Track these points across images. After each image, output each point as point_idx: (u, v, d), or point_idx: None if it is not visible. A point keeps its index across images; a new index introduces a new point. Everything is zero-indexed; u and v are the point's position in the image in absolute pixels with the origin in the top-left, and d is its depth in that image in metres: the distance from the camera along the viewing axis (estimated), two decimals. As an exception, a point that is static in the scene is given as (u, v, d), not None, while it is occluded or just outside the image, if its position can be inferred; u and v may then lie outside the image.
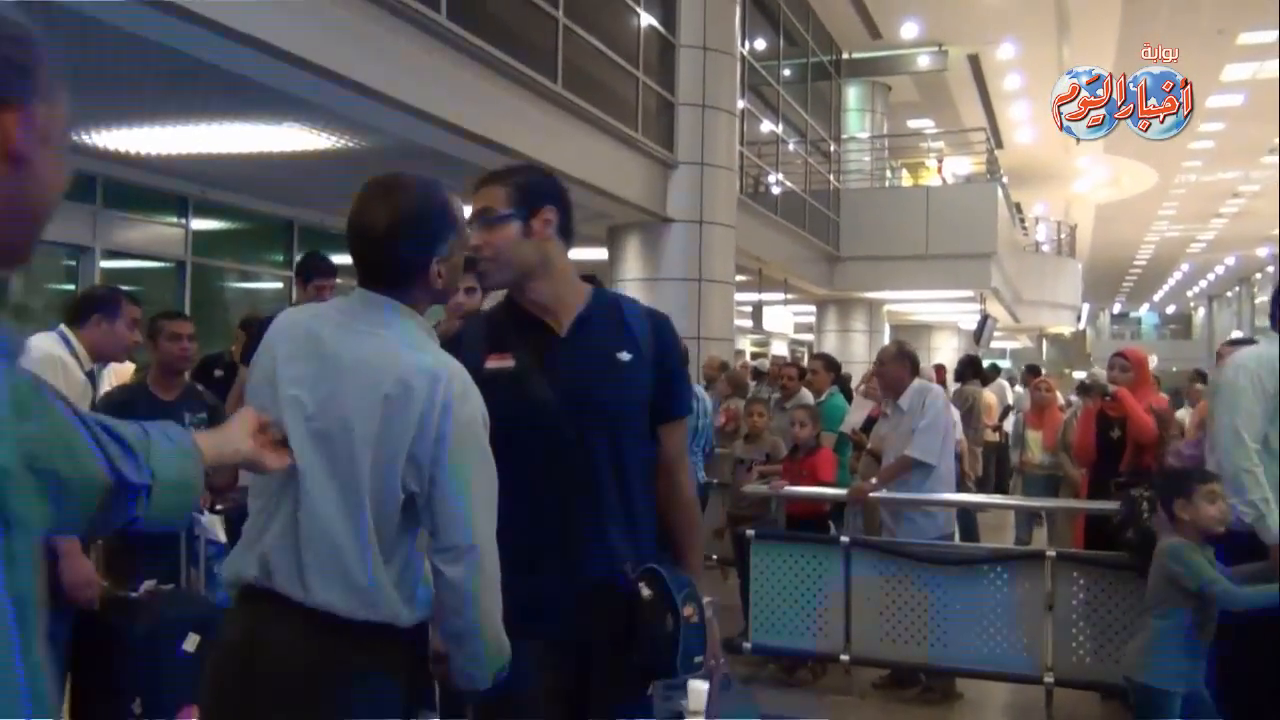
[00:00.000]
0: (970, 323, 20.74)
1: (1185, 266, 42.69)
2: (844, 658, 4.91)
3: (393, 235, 1.78)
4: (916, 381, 5.07)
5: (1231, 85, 18.76)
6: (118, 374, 6.67)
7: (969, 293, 17.72)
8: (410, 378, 1.72)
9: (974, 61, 18.23)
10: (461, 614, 1.74)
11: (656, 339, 2.16)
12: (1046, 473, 7.25)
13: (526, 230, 2.07)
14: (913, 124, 21.86)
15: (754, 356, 19.23)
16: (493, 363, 2.05)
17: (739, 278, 13.38)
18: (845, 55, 17.80)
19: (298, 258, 10.56)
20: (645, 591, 1.98)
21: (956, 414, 6.24)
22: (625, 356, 2.10)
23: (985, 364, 11.67)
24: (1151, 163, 24.61)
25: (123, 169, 8.08)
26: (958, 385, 8.90)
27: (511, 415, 1.94)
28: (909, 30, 16.81)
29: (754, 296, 15.48)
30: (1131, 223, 31.75)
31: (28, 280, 8.57)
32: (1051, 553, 4.64)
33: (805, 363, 8.88)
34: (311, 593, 1.73)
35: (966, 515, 8.21)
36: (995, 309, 19.86)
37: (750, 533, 5.12)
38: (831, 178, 17.09)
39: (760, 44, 14.32)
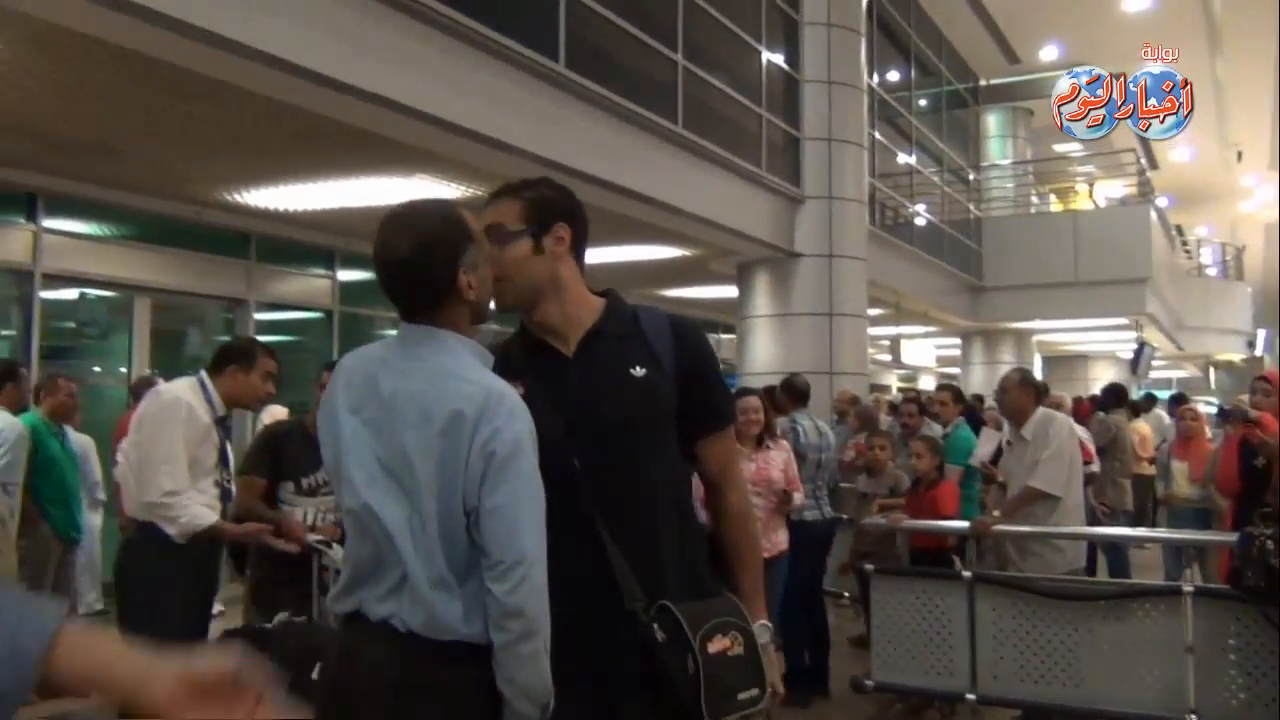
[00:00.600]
0: (1129, 352, 19.86)
1: (1373, 286, 39.81)
2: (970, 696, 4.76)
3: (415, 256, 1.85)
4: (1040, 410, 4.92)
5: None
6: (271, 414, 7.09)
7: (1123, 320, 16.99)
8: (461, 406, 1.79)
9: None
10: (509, 629, 1.75)
11: (679, 349, 2.04)
12: (1195, 505, 6.86)
13: (538, 248, 2.00)
14: (1059, 148, 21.20)
15: (901, 391, 18.88)
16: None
17: (875, 311, 13.21)
18: (983, 82, 17.46)
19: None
20: (659, 635, 1.84)
21: (1090, 445, 5.99)
22: (639, 371, 1.99)
23: (1141, 393, 11.17)
24: (1324, 177, 23.14)
25: (274, 224, 8.61)
26: (1101, 415, 8.52)
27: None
28: (1049, 53, 16.39)
29: (892, 330, 15.23)
30: (1308, 242, 29.83)
31: (197, 331, 9.22)
32: (1189, 588, 4.40)
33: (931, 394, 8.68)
34: (393, 617, 1.84)
35: (1116, 551, 7.85)
36: (1154, 336, 18.97)
37: (870, 568, 5.04)
38: (971, 206, 16.71)
39: (894, 75, 14.20)
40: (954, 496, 5.43)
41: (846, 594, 7.25)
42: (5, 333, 7.62)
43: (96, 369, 8.52)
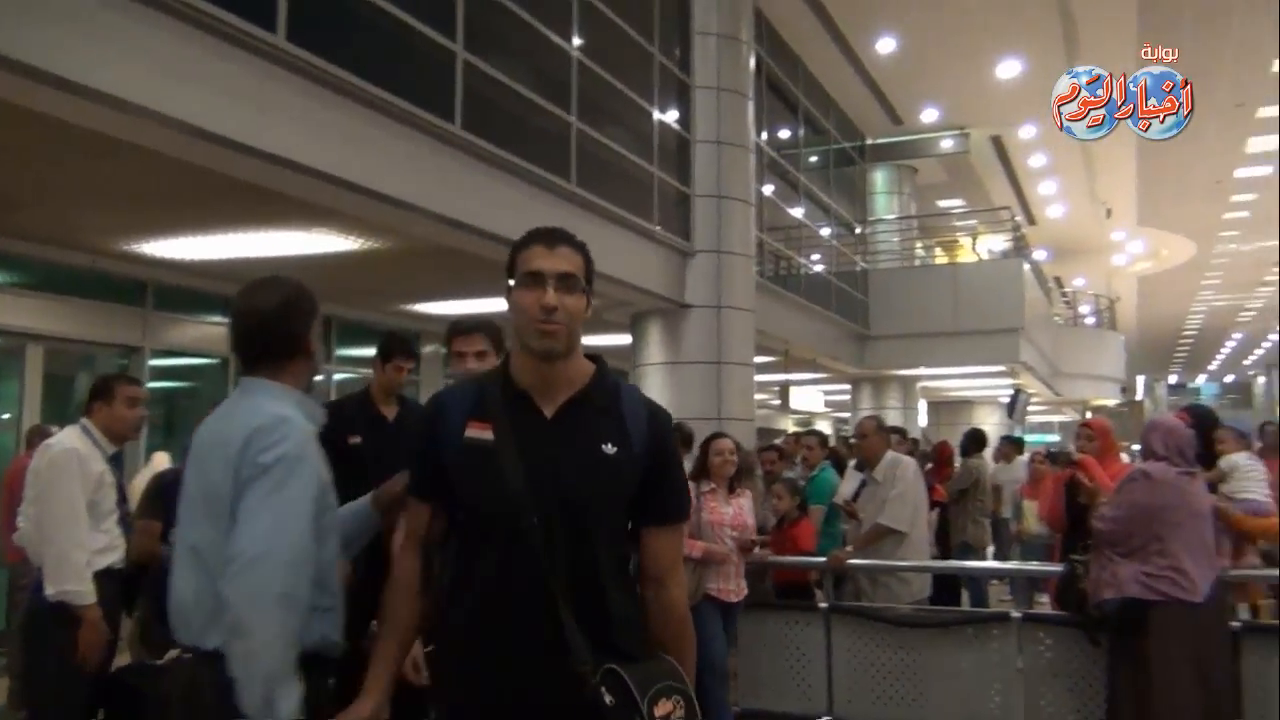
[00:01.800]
0: (1008, 397, 20.90)
1: (1238, 335, 42.22)
2: (826, 718, 5.16)
3: (281, 312, 2.22)
4: (889, 454, 5.39)
5: (1258, 157, 18.97)
6: (157, 461, 7.19)
7: (1001, 368, 17.90)
8: (250, 429, 2.09)
9: (997, 142, 18.67)
10: (226, 625, 1.97)
11: (651, 435, 2.05)
12: (1043, 541, 7.44)
13: (588, 305, 2.05)
14: (943, 203, 22.27)
15: (808, 433, 19.49)
16: (472, 430, 2.00)
17: (764, 359, 13.77)
18: (869, 141, 18.34)
19: (336, 351, 11.20)
20: (607, 698, 1.84)
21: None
22: (610, 449, 1.99)
23: (1013, 438, 11.89)
24: (1187, 234, 24.72)
25: (171, 273, 8.75)
26: (962, 459, 9.13)
27: (478, 492, 1.98)
28: (929, 115, 17.33)
29: (782, 377, 15.82)
30: (1176, 294, 31.68)
31: (90, 379, 9.22)
32: (1016, 614, 4.89)
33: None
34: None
35: (975, 584, 8.40)
36: (1030, 383, 19.97)
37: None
38: (858, 258, 17.50)
39: (784, 133, 14.89)
40: (811, 534, 5.87)
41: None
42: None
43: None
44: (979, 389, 22.43)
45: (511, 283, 2.05)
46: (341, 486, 2.37)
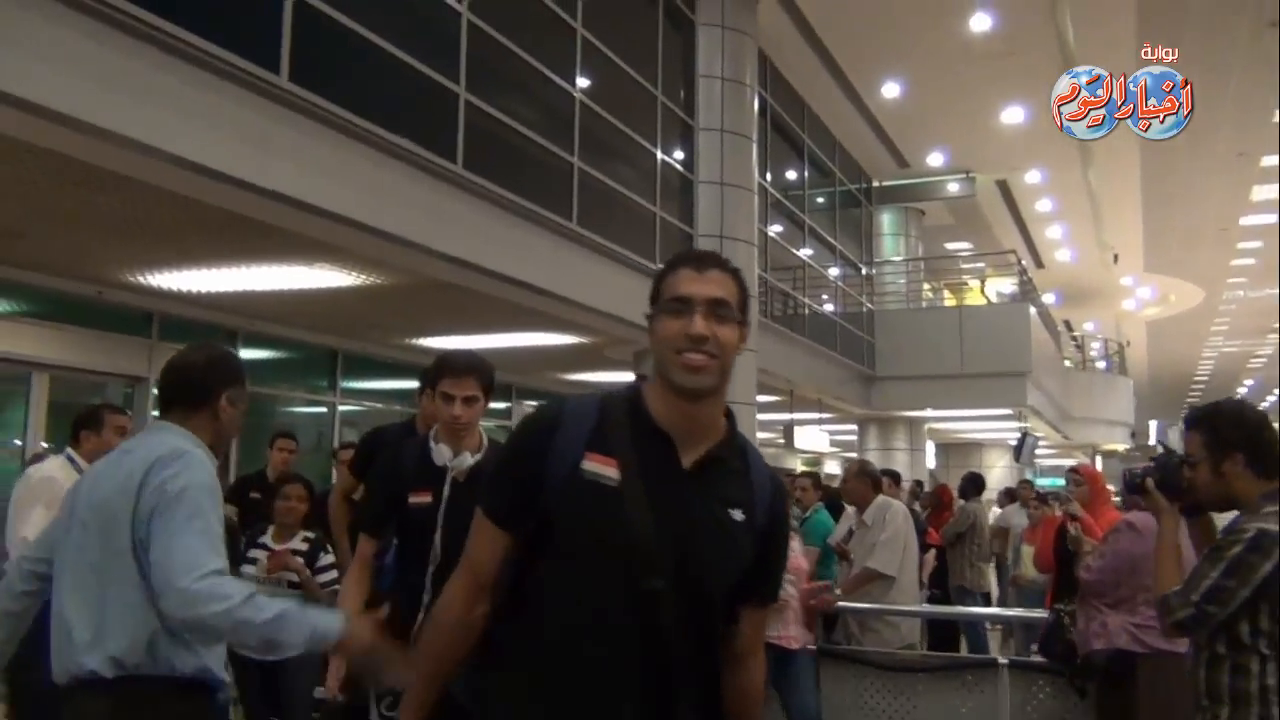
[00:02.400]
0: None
1: (1250, 382, 42.03)
2: (813, 763, 5.13)
3: (200, 365, 2.46)
4: (879, 497, 5.39)
5: (1262, 205, 19.00)
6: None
7: (1008, 410, 17.87)
8: (149, 464, 2.27)
9: (1003, 187, 18.76)
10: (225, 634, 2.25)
11: (772, 508, 1.85)
12: (1040, 587, 7.41)
13: (742, 338, 1.79)
14: (951, 246, 22.35)
15: (803, 474, 19.45)
16: (593, 464, 1.72)
17: (768, 398, 13.80)
18: (875, 183, 18.46)
19: (341, 384, 11.27)
20: None
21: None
22: (738, 516, 1.78)
23: (1029, 481, 11.87)
24: (1195, 280, 24.72)
25: (177, 304, 8.84)
26: (961, 502, 9.11)
27: (595, 539, 1.72)
28: (935, 159, 17.44)
29: (787, 416, 15.83)
30: (1185, 339, 31.61)
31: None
32: (1004, 660, 4.87)
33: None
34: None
35: (974, 629, 8.35)
36: (1039, 426, 19.91)
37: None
38: (865, 300, 17.55)
39: (790, 174, 15.01)
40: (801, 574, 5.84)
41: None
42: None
43: (-12, 443, 8.58)
44: (987, 431, 22.38)
45: (655, 312, 1.77)
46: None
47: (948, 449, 24.14)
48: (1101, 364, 26.98)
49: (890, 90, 14.60)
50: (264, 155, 5.63)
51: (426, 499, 3.06)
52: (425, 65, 6.97)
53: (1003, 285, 21.34)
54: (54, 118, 4.55)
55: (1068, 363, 23.89)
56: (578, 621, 1.72)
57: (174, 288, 8.30)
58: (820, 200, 16.26)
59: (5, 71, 4.30)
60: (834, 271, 16.58)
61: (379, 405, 11.94)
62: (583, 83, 8.99)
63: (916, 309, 18.78)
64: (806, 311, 14.86)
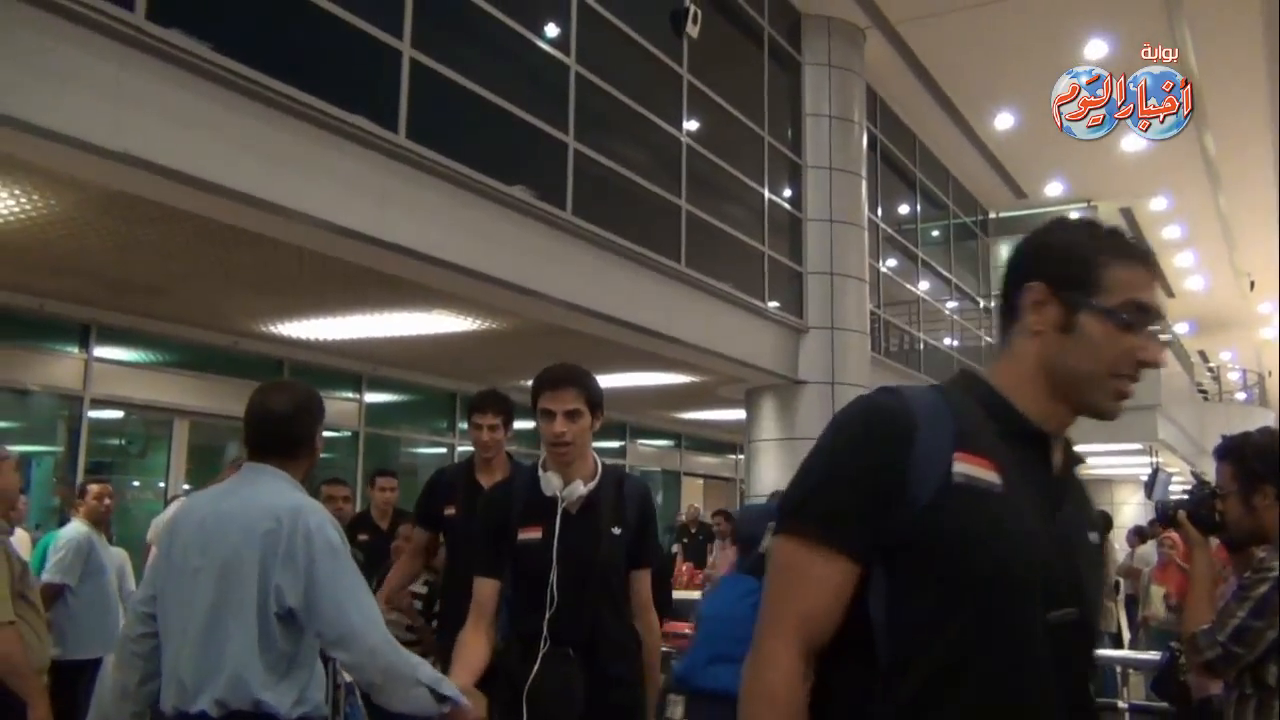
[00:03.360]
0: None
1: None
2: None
3: (302, 413, 2.47)
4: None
5: None
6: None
7: (1138, 445, 17.22)
8: (281, 514, 2.32)
9: (1128, 215, 18.19)
10: (370, 671, 2.32)
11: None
12: (1171, 628, 7.12)
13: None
14: (1073, 276, 21.63)
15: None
16: (966, 465, 1.35)
17: (884, 435, 13.57)
18: (991, 215, 18.13)
19: (460, 424, 11.59)
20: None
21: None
22: (1094, 538, 1.56)
23: (1152, 520, 11.42)
24: (1340, 306, 23.45)
25: (305, 352, 9.28)
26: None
27: (999, 560, 1.33)
28: (1054, 189, 17.05)
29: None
30: (1333, 368, 29.92)
31: (233, 450, 9.80)
32: (1123, 704, 4.72)
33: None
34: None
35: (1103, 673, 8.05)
36: (1173, 461, 19.12)
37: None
38: (983, 333, 17.20)
39: (902, 209, 14.88)
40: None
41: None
42: (55, 448, 8.26)
43: (135, 484, 9.11)
44: (1117, 467, 21.57)
45: (1096, 311, 1.42)
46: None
47: (1077, 485, 23.28)
48: (1241, 395, 25.76)
49: (1004, 121, 14.37)
50: (383, 210, 5.91)
51: (536, 535, 2.78)
52: (535, 117, 7.21)
53: (1131, 315, 20.59)
54: (196, 184, 4.90)
55: (1203, 395, 22.91)
56: (997, 671, 1.32)
57: (303, 336, 8.72)
58: (935, 234, 16.06)
59: (150, 140, 4.65)
60: (951, 305, 16.32)
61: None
62: (690, 126, 9.14)
63: (1038, 342, 18.23)
64: (923, 346, 14.65)
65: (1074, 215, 17.76)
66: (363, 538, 5.74)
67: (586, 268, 7.67)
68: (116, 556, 6.81)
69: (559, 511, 2.75)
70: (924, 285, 15.13)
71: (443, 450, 11.64)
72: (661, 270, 8.56)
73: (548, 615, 2.69)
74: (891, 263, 14.00)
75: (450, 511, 3.95)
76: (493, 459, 3.91)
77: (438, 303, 7.49)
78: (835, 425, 1.48)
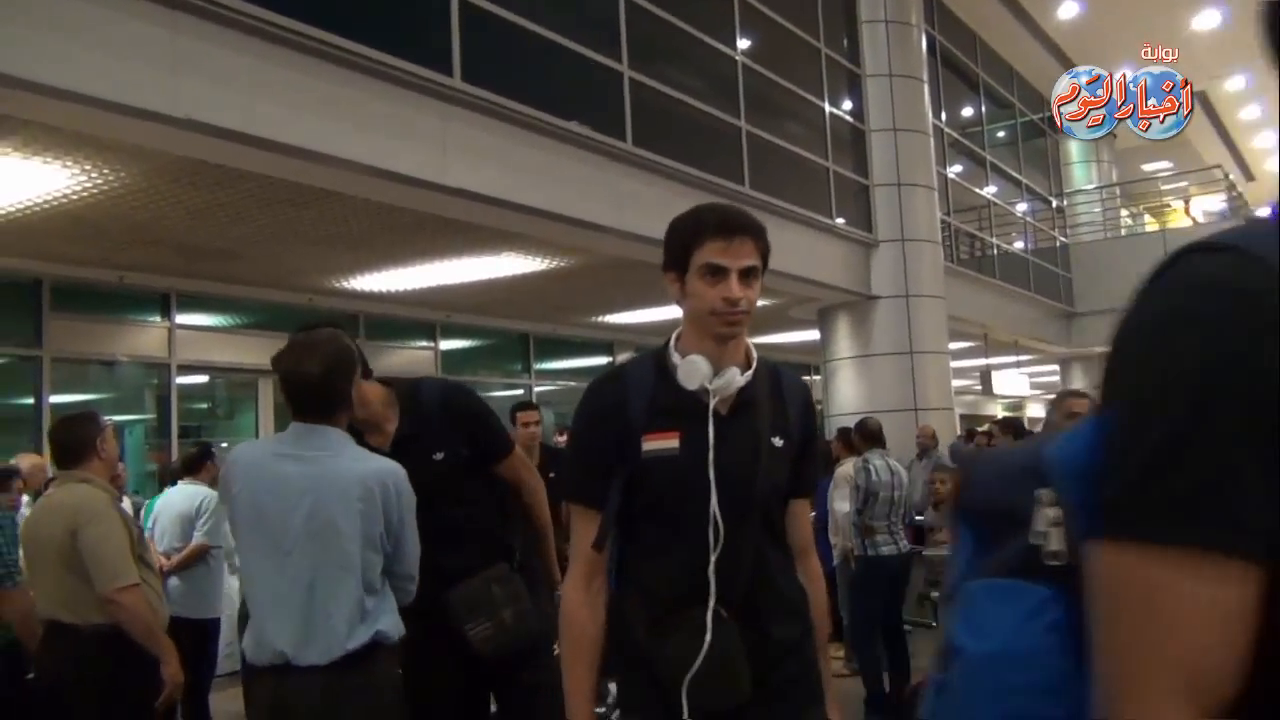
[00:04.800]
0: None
1: None
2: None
3: (324, 379, 2.46)
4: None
5: None
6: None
7: None
8: (371, 484, 2.44)
9: (1203, 97, 17.47)
10: (406, 595, 2.58)
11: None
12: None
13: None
14: (1148, 167, 21.01)
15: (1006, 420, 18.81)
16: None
17: (964, 344, 13.40)
18: (1059, 109, 17.53)
19: (535, 365, 11.67)
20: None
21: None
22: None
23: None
24: None
25: (379, 304, 9.37)
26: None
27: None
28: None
29: (983, 361, 15.34)
30: None
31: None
32: None
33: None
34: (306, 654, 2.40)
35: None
36: None
37: (934, 595, 5.35)
38: (1057, 234, 16.76)
39: (967, 111, 14.46)
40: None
41: (934, 623, 7.49)
42: (147, 416, 8.50)
43: (225, 445, 9.35)
44: None
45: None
46: None
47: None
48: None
49: (1067, 9, 13.83)
50: (443, 155, 5.89)
51: (672, 444, 1.91)
52: (588, 48, 7.10)
53: (1210, 203, 19.91)
54: (256, 143, 4.91)
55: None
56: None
57: (375, 289, 8.80)
58: (1001, 135, 15.61)
59: (207, 103, 4.66)
60: (1022, 207, 15.89)
61: (571, 383, 12.30)
62: (744, 44, 8.93)
63: (1115, 238, 17.77)
64: (995, 251, 14.33)
65: (1146, 103, 17.13)
66: None
67: (651, 198, 7.58)
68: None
69: (710, 409, 1.91)
70: (992, 189, 14.75)
71: (519, 392, 11.73)
72: (726, 194, 8.42)
73: (713, 560, 1.85)
74: (958, 168, 13.65)
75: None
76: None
77: (505, 245, 7.49)
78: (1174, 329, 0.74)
